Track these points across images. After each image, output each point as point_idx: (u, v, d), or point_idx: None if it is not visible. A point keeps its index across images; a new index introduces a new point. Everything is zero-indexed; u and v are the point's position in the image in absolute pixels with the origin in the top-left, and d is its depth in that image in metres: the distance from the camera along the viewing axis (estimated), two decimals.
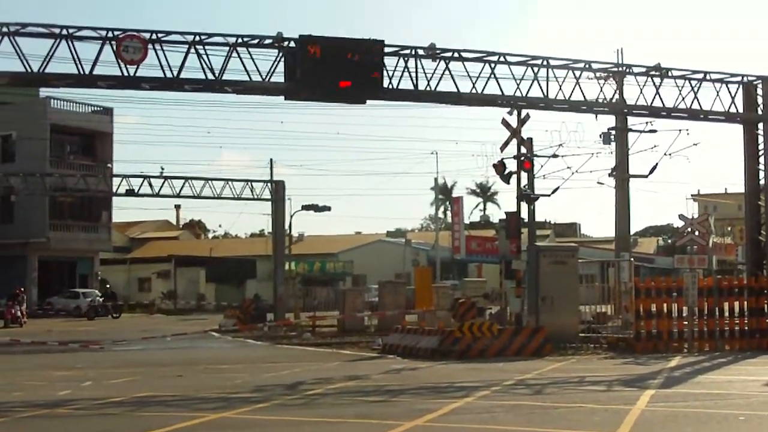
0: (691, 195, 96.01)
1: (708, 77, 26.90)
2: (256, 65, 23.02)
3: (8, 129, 60.66)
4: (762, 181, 27.57)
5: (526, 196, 30.12)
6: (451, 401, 14.71)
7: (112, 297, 57.21)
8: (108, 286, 59.35)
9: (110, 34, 22.04)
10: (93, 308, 54.05)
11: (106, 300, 56.12)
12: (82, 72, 22.02)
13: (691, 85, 26.72)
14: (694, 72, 26.83)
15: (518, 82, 25.18)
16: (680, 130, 30.82)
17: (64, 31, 21.86)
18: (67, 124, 61.76)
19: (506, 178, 30.24)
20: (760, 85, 27.27)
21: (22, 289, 49.50)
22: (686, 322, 24.74)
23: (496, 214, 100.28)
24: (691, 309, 24.46)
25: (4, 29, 21.56)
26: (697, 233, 28.18)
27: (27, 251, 60.64)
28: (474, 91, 24.79)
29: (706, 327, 24.76)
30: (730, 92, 27.13)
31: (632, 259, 29.60)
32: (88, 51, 22.04)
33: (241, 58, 22.93)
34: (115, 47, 21.99)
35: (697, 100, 26.85)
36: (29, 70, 21.80)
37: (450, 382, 17.80)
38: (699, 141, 31.81)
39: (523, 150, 30.21)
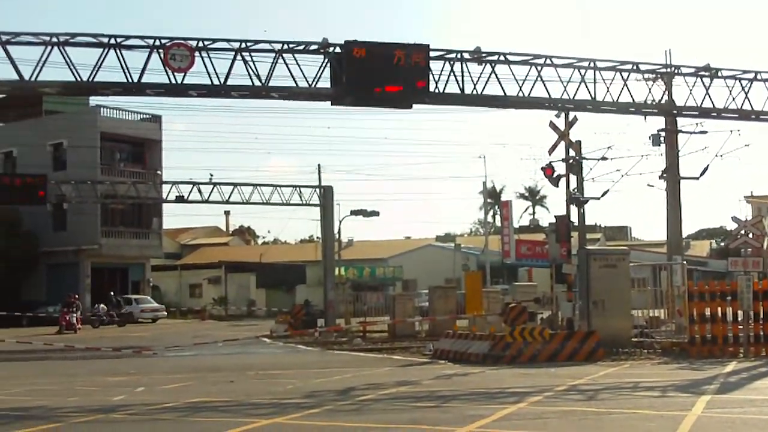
0: (744, 196, 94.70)
1: (759, 77, 26.52)
2: (302, 71, 23.12)
3: (59, 138, 61.58)
4: None
5: (576, 199, 29.88)
6: (503, 407, 14.60)
7: (117, 305, 55.45)
8: (112, 293, 56.68)
9: (157, 43, 22.26)
10: (97, 317, 52.24)
11: (110, 308, 54.18)
12: (130, 80, 22.26)
13: (741, 85, 26.37)
14: (745, 72, 26.48)
15: (565, 84, 25.02)
16: (731, 131, 30.40)
17: (113, 41, 22.11)
18: (116, 132, 62.60)
19: (555, 182, 30.05)
20: None
21: (77, 296, 50.18)
22: (741, 327, 24.33)
23: (545, 218, 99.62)
24: (747, 313, 24.05)
25: (54, 39, 21.85)
26: (750, 235, 27.76)
27: (80, 258, 61.50)
28: (521, 94, 24.67)
29: (762, 331, 24.33)
30: None
31: (685, 262, 29.21)
32: (136, 59, 22.31)
33: (287, 64, 23.02)
34: (162, 55, 22.20)
35: (748, 100, 26.50)
36: (79, 79, 22.06)
37: (501, 388, 17.68)
38: (751, 142, 31.16)
39: (572, 153, 30.00)
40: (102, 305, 53.50)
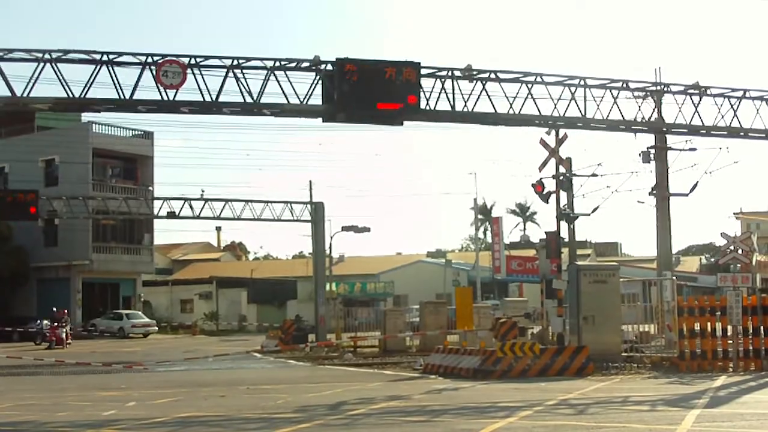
0: (733, 213, 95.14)
1: (747, 95, 26.74)
2: (293, 88, 23.23)
3: (51, 153, 61.58)
4: None
5: (566, 215, 30.06)
6: (493, 421, 14.65)
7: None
8: (54, 309, 50.55)
9: (150, 59, 22.38)
10: (40, 334, 49.05)
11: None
12: (122, 96, 22.36)
13: (730, 103, 26.57)
14: (733, 90, 26.69)
15: (555, 102, 25.18)
16: (720, 148, 30.63)
17: (105, 57, 22.23)
18: (108, 148, 62.64)
19: (545, 198, 30.23)
20: None
21: (66, 311, 49.96)
22: (731, 341, 24.47)
23: (536, 234, 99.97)
24: (736, 328, 24.21)
25: (47, 56, 21.95)
26: (740, 251, 27.89)
27: (71, 273, 61.50)
28: (511, 111, 24.81)
29: (751, 346, 24.47)
30: None
31: (675, 277, 29.36)
32: (129, 76, 22.43)
33: (278, 81, 23.13)
34: (154, 72, 22.31)
35: (737, 117, 26.70)
36: (71, 95, 22.15)
37: (492, 402, 17.74)
38: (739, 159, 31.43)
39: (562, 169, 30.18)
40: (46, 321, 49.90)
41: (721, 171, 31.35)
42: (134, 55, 22.58)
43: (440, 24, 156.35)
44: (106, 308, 62.24)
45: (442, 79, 24.14)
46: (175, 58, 22.53)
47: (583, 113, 25.39)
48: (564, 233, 30.53)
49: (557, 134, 29.89)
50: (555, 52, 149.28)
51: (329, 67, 23.00)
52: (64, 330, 46.77)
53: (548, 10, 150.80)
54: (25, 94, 21.93)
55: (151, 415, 16.42)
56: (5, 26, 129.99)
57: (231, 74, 22.88)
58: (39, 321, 49.44)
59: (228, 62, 22.92)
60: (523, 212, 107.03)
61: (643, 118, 26.46)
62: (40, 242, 61.65)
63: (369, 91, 22.77)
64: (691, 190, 31.78)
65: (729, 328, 24.41)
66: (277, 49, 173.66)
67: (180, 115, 25.79)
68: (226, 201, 48.07)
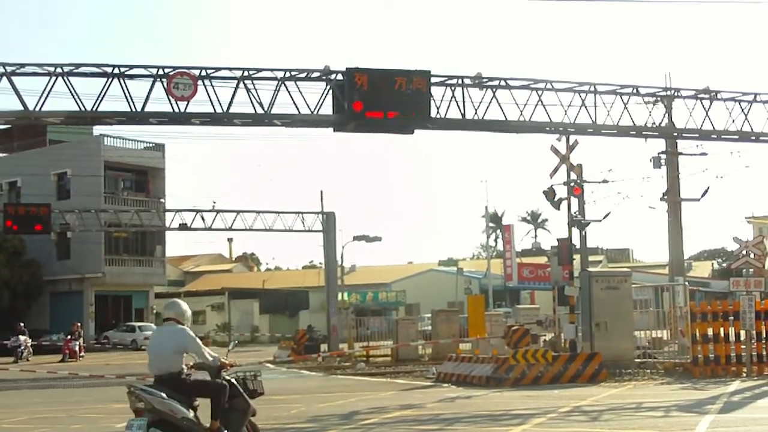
0: (745, 217, 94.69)
1: (758, 98, 26.72)
2: (304, 98, 23.30)
3: (63, 167, 61.81)
4: None
5: (577, 222, 29.99)
6: (507, 429, 14.66)
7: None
8: (22, 324, 47.89)
9: (161, 72, 22.47)
10: (17, 349, 45.51)
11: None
12: (134, 109, 22.46)
13: (741, 107, 26.55)
14: (744, 93, 26.68)
15: (566, 108, 25.20)
16: (731, 153, 30.60)
17: (116, 70, 22.33)
18: (120, 161, 62.85)
19: (556, 205, 30.18)
20: None
21: (80, 324, 50.18)
22: (744, 346, 24.40)
23: (547, 241, 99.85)
24: (749, 332, 24.13)
25: (58, 69, 22.07)
26: (752, 255, 27.84)
27: (83, 286, 61.67)
28: (521, 118, 24.84)
29: (764, 350, 24.38)
30: None
31: (687, 283, 29.30)
32: (140, 89, 22.52)
33: (289, 92, 23.20)
34: (165, 84, 22.40)
35: (748, 121, 26.68)
36: (82, 108, 22.26)
37: (505, 410, 17.74)
38: (750, 163, 31.55)
39: (573, 176, 30.15)
40: (24, 337, 46.53)
41: (733, 175, 31.54)
42: (145, 67, 22.68)
43: (450, 33, 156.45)
44: (118, 321, 62.37)
45: (453, 88, 24.19)
46: (186, 70, 22.64)
47: (594, 119, 25.41)
48: (575, 240, 30.47)
49: (568, 141, 29.88)
50: (564, 59, 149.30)
51: (339, 76, 23.06)
52: (77, 343, 46.90)
53: (557, 17, 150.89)
54: (37, 108, 22.04)
55: None
56: (17, 41, 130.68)
57: (242, 85, 22.97)
58: (16, 337, 46.12)
59: (239, 73, 23.02)
60: (534, 219, 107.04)
61: (654, 123, 26.47)
62: (53, 255, 61.86)
63: (379, 100, 22.81)
64: (703, 195, 31.75)
65: (742, 332, 24.35)
66: (287, 60, 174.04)
67: (192, 127, 25.86)
68: (238, 212, 48.16)
